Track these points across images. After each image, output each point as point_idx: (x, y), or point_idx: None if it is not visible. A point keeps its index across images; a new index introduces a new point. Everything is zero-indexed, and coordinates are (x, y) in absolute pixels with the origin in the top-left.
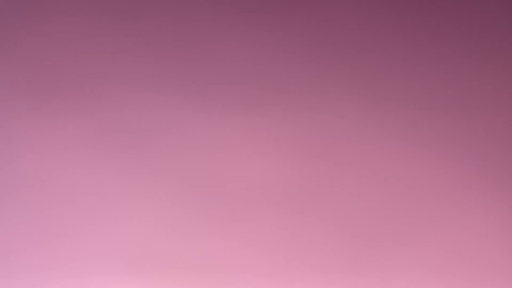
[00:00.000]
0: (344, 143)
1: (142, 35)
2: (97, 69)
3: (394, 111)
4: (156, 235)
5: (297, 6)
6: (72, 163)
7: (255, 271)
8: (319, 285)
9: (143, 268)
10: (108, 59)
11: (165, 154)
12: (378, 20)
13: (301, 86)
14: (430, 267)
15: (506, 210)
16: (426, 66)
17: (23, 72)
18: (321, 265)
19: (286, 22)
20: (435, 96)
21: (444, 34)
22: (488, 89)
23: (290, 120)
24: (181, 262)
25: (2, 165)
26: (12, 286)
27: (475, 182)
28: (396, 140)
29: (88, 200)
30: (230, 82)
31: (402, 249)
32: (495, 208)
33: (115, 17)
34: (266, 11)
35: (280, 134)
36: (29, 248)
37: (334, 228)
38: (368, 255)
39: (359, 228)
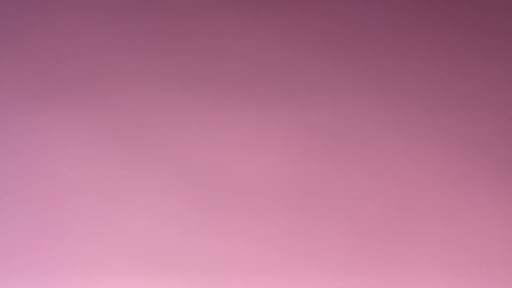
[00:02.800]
0: (348, 141)
1: (146, 34)
2: (101, 67)
3: (399, 110)
4: (158, 233)
5: (302, 3)
6: (75, 161)
7: (256, 269)
8: (321, 283)
9: (147, 265)
10: (111, 57)
11: (169, 152)
12: (383, 18)
13: (305, 84)
14: (433, 266)
15: (509, 208)
16: (432, 64)
17: (26, 71)
18: (323, 263)
19: (289, 20)
20: (440, 94)
21: (448, 32)
22: (492, 87)
23: (293, 118)
24: (184, 259)
25: (6, 163)
26: (16, 284)
27: (479, 180)
28: (399, 138)
29: (92, 198)
30: (233, 80)
31: (404, 248)
32: (499, 207)
33: (118, 16)
34: (269, 9)
35: (283, 132)
36: (33, 246)
37: (337, 227)
38: (370, 254)
39: (362, 227)
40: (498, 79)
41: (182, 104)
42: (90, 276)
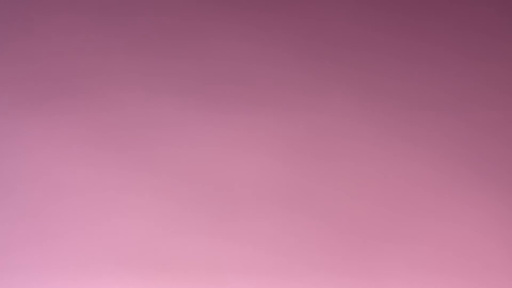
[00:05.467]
0: (338, 142)
1: (137, 34)
2: (92, 68)
3: (388, 110)
4: (151, 234)
5: (292, 4)
6: (68, 162)
7: (249, 270)
8: (314, 284)
9: (140, 267)
10: (103, 58)
11: (160, 153)
12: (372, 18)
13: (295, 84)
14: (425, 267)
15: (502, 208)
16: (421, 64)
17: (18, 72)
18: (317, 264)
19: (280, 21)
20: (430, 94)
21: (439, 31)
22: (485, 87)
23: (284, 118)
24: (176, 260)
25: None
26: (8, 285)
27: (471, 181)
28: (390, 138)
29: (84, 199)
30: (224, 81)
31: (397, 249)
32: (491, 207)
33: (111, 16)
34: (260, 10)
35: (274, 132)
36: (25, 247)
37: (329, 227)
38: (363, 255)
39: (355, 228)
40: (490, 79)
41: (172, 105)
42: (82, 277)
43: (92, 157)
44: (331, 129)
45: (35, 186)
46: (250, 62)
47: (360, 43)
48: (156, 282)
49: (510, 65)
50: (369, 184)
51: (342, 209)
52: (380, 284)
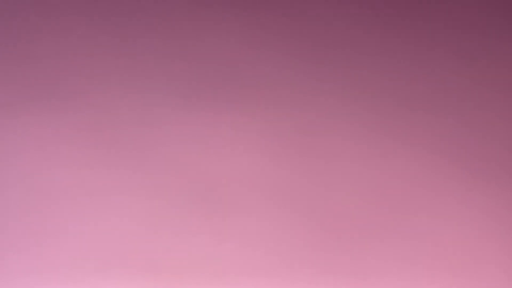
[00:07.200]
0: (332, 141)
1: (131, 34)
2: (84, 67)
3: (382, 109)
4: (145, 234)
5: (283, 3)
6: (59, 162)
7: (242, 269)
8: (309, 283)
9: (134, 267)
10: (94, 58)
11: (153, 153)
12: (366, 18)
13: (286, 83)
14: (422, 266)
15: (499, 208)
16: (415, 63)
17: (10, 71)
18: (311, 263)
19: (271, 20)
20: (425, 94)
21: (432, 31)
22: (482, 87)
23: (278, 118)
24: (170, 260)
25: None
26: (3, 285)
27: (466, 180)
28: (385, 137)
29: (76, 199)
30: (215, 80)
31: (390, 248)
32: (487, 206)
33: (105, 16)
34: (251, 9)
35: (269, 132)
36: (15, 247)
37: (323, 227)
38: (358, 254)
39: (349, 227)
40: (484, 78)
41: (166, 104)
42: (73, 278)
43: (84, 157)
44: (324, 128)
45: (26, 186)
46: (245, 62)
47: (353, 43)
48: (151, 282)
49: (506, 64)
50: (363, 183)
51: (337, 209)
52: (376, 283)
